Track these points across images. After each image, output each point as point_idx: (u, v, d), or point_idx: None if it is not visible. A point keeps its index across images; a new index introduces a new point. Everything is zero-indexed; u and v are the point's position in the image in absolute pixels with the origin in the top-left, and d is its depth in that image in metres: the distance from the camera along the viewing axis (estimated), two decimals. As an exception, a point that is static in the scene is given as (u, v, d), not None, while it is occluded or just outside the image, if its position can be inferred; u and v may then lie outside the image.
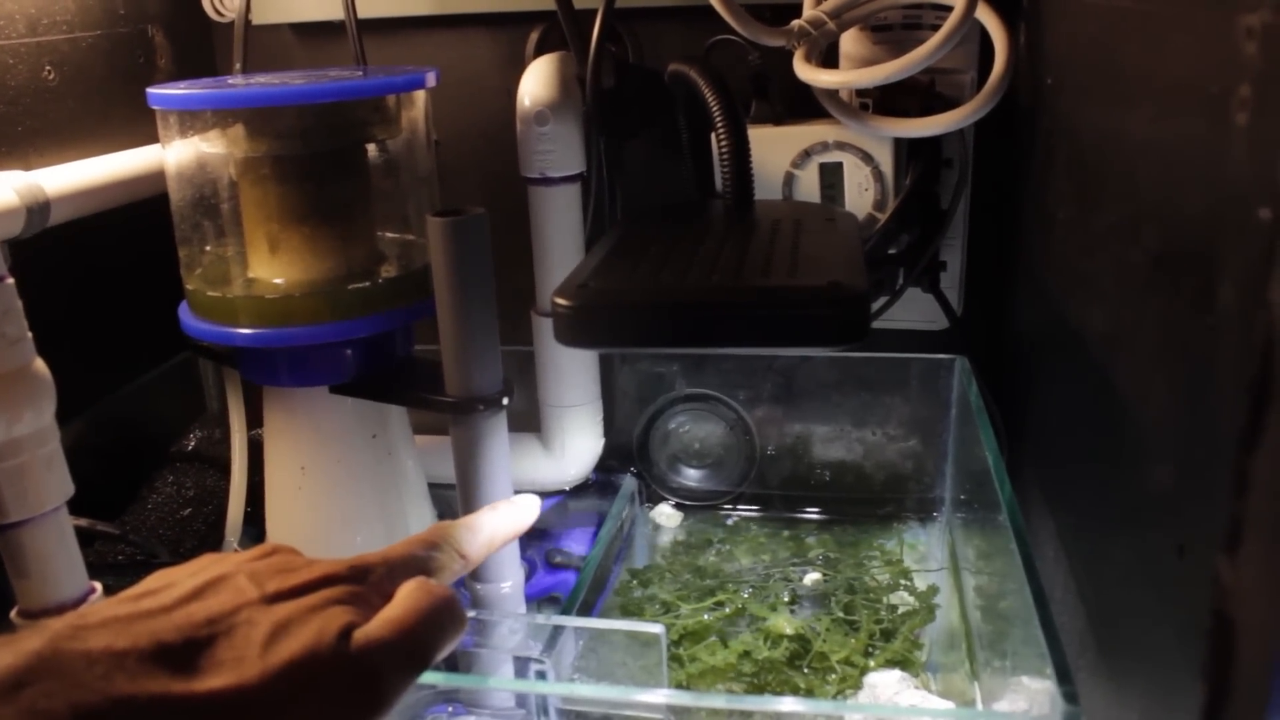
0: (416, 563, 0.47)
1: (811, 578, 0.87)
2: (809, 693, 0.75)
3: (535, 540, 0.94)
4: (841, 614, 0.82)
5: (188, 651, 0.37)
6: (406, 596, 0.43)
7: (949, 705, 0.71)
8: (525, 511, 0.55)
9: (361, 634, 0.41)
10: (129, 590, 0.41)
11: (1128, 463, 0.52)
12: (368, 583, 0.44)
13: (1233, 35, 0.38)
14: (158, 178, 0.81)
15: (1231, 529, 0.32)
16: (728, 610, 0.83)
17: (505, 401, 0.69)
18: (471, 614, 0.64)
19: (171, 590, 0.40)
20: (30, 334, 0.60)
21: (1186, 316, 0.43)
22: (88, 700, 0.34)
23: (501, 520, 0.53)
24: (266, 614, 0.40)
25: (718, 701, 0.57)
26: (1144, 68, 0.52)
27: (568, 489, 0.99)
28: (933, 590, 0.84)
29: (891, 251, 0.88)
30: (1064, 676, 0.48)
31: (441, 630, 0.43)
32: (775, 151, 0.86)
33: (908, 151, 0.86)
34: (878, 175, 0.85)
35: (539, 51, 0.96)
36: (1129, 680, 0.50)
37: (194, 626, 0.38)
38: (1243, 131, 0.37)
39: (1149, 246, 0.50)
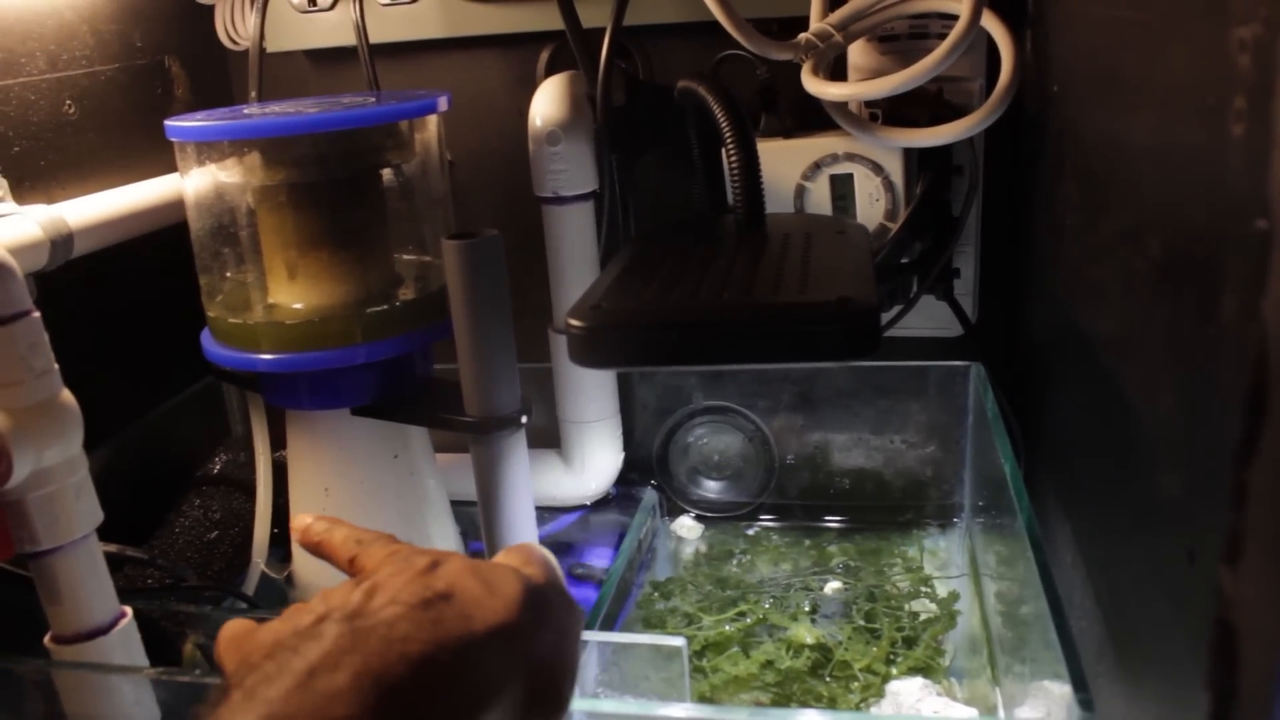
0: None
1: (832, 586, 0.88)
2: (832, 701, 0.75)
3: (558, 555, 0.94)
4: (863, 622, 0.82)
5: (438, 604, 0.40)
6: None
7: (972, 712, 0.71)
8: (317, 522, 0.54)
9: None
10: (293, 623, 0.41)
11: (1138, 469, 0.52)
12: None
13: (1227, 47, 0.38)
14: (177, 206, 0.83)
15: (1232, 540, 0.32)
16: (749, 621, 0.84)
17: (524, 420, 0.70)
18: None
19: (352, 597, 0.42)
20: (57, 365, 0.61)
21: (1191, 325, 0.43)
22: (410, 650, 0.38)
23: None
24: (463, 563, 0.44)
25: (740, 715, 0.58)
26: (1144, 77, 0.52)
27: (589, 504, 1.00)
28: (954, 596, 0.85)
29: (904, 261, 0.89)
30: (1079, 684, 0.49)
31: None
32: (786, 164, 0.87)
33: (918, 160, 0.87)
34: (888, 185, 0.86)
35: (549, 71, 0.97)
36: (1145, 686, 0.51)
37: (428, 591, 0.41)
38: (1239, 143, 0.38)
39: (1154, 254, 0.50)
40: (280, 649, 0.38)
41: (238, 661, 0.41)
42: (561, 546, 0.97)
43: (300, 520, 0.52)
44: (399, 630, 0.38)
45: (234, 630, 0.45)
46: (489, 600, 0.41)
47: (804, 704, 0.76)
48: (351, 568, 0.48)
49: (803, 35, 0.81)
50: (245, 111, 0.78)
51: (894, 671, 0.77)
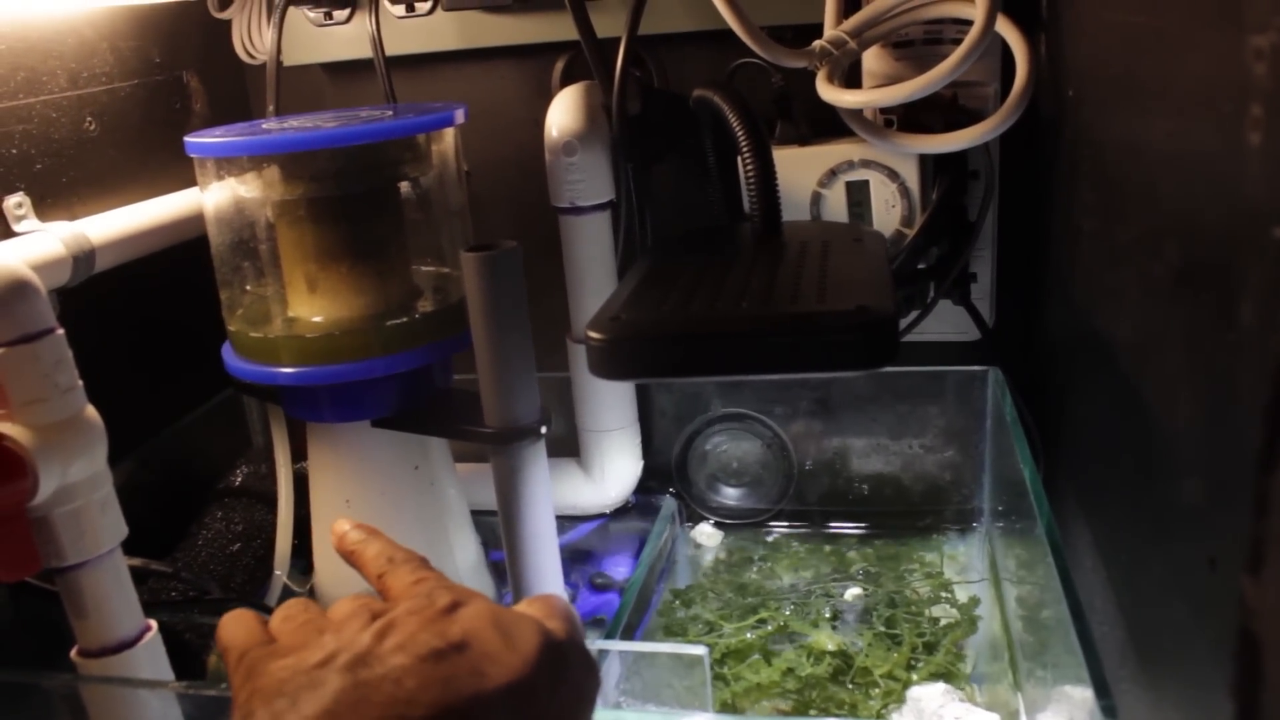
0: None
1: (853, 592, 0.88)
2: (853, 708, 0.75)
3: (578, 564, 0.95)
4: (883, 628, 0.82)
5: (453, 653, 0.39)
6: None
7: (994, 718, 0.71)
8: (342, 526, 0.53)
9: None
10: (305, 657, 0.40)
11: (1158, 474, 0.52)
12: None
13: (1242, 55, 0.38)
14: (197, 221, 0.83)
15: (1254, 550, 0.32)
16: (770, 628, 0.84)
17: (544, 430, 0.70)
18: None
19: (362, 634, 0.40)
20: (81, 382, 0.62)
21: (1209, 332, 0.43)
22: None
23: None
24: (485, 609, 0.42)
25: (761, 723, 0.58)
26: (1160, 83, 0.52)
27: (608, 512, 1.00)
28: (974, 602, 0.84)
29: (921, 266, 0.89)
30: (1102, 690, 0.49)
31: None
32: (801, 172, 0.87)
33: (934, 166, 0.87)
34: (904, 191, 0.86)
35: (565, 81, 0.97)
36: (1167, 692, 0.51)
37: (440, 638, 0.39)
38: (1255, 150, 0.38)
39: (1172, 260, 0.50)
40: (281, 696, 0.37)
41: (241, 680, 0.40)
42: (581, 555, 0.97)
43: (339, 526, 0.51)
44: (405, 688, 0.36)
45: (235, 635, 0.43)
46: (505, 655, 0.39)
47: (825, 711, 0.76)
48: (379, 585, 0.47)
49: (817, 42, 0.81)
50: (263, 126, 0.79)
51: (915, 677, 0.77)
